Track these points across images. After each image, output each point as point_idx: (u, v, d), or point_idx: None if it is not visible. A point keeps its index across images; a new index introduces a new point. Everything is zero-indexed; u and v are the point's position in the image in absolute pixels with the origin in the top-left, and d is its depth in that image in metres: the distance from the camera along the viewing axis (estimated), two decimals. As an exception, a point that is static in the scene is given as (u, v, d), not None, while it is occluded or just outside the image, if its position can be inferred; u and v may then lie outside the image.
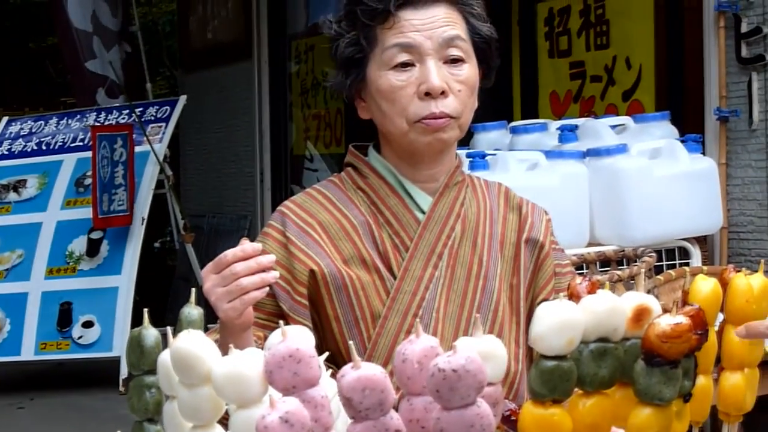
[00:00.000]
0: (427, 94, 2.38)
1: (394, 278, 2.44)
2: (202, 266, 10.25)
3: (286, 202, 2.55)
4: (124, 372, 8.28)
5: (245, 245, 2.10)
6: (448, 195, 2.51)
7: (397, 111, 2.42)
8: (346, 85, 2.51)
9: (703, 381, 1.65)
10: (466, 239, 2.50)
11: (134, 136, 9.23)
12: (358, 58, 2.46)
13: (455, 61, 2.42)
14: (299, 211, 2.50)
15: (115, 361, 8.59)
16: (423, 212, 2.49)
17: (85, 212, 9.25)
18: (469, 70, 2.44)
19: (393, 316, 2.42)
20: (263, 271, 2.08)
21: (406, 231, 2.48)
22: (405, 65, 2.41)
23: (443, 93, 2.39)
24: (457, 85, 2.41)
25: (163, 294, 10.38)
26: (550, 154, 5.50)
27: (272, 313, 2.40)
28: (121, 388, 8.17)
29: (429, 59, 2.40)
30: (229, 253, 2.08)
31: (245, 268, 2.07)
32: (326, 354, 1.76)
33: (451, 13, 2.44)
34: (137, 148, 9.21)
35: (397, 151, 2.50)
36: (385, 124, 2.47)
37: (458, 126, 2.44)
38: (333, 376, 1.56)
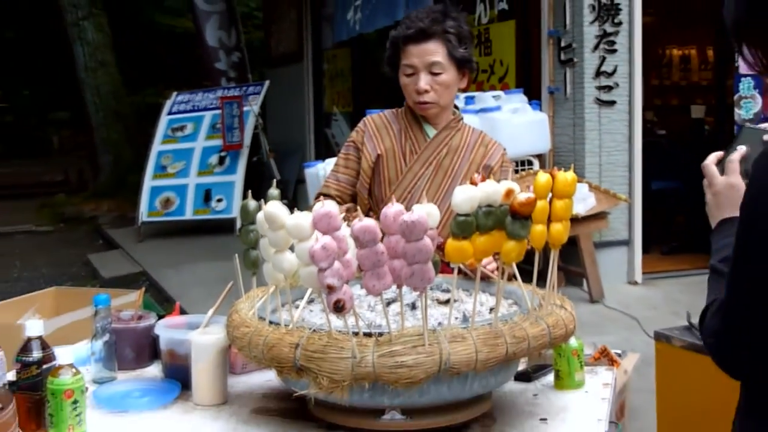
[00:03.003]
0: (417, 92, 2.39)
1: (407, 166, 2.44)
2: (279, 172, 10.04)
3: (367, 118, 2.53)
4: (238, 225, 8.28)
5: None
6: (444, 134, 2.46)
7: (407, 94, 2.43)
8: (392, 74, 2.47)
9: (540, 227, 1.64)
10: (447, 159, 2.44)
11: (243, 102, 9.16)
12: (396, 64, 2.44)
13: (436, 73, 2.37)
14: (373, 123, 2.51)
15: (233, 220, 8.62)
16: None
17: (217, 142, 9.19)
18: (445, 77, 2.38)
19: (399, 189, 2.42)
20: None
21: (419, 146, 2.45)
22: (410, 75, 2.40)
23: (426, 91, 2.38)
24: (436, 86, 2.39)
25: (259, 185, 10.34)
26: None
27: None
28: (237, 234, 8.15)
29: (421, 73, 2.38)
30: None
31: None
32: (344, 213, 1.74)
33: (436, 45, 2.37)
34: (244, 108, 9.13)
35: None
36: (406, 97, 2.46)
37: (438, 106, 2.42)
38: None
